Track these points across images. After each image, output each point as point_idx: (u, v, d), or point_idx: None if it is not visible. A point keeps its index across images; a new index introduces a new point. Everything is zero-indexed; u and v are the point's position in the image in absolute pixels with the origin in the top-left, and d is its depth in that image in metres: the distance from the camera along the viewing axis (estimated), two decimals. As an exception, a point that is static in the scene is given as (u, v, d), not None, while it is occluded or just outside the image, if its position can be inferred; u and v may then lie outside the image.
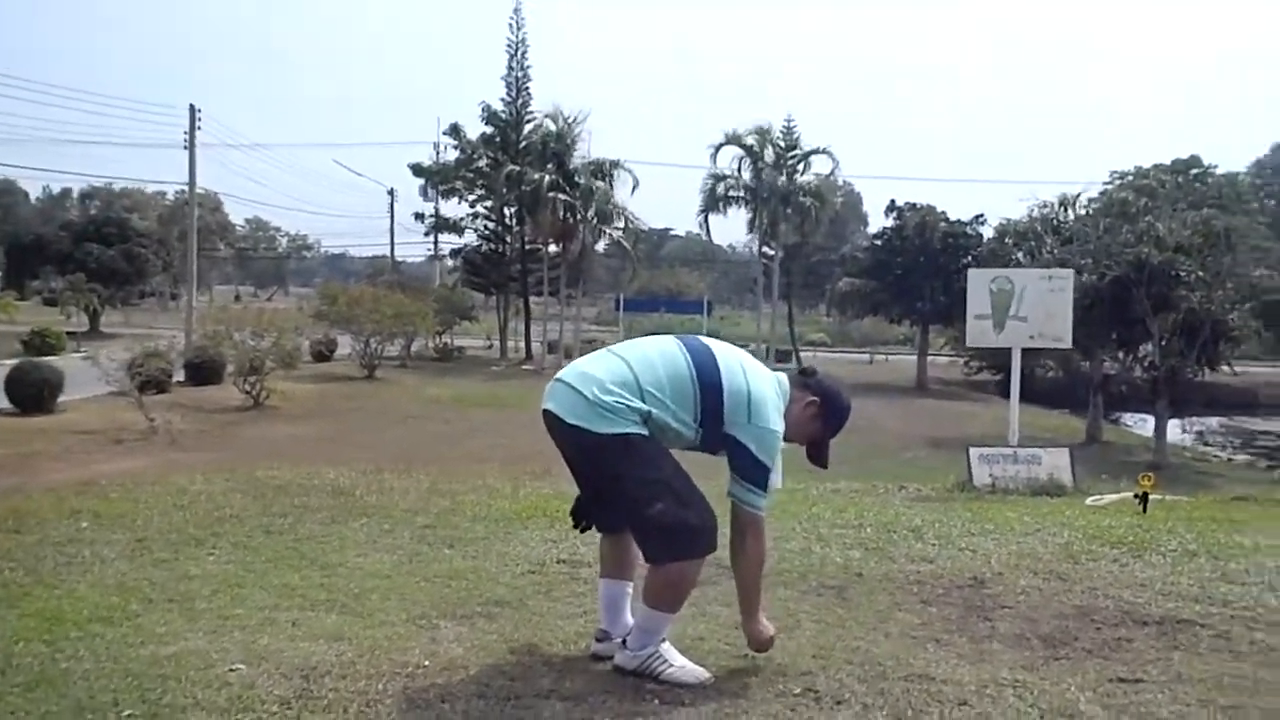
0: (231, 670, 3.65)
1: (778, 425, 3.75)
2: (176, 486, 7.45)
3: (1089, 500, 8.55)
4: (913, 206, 42.80)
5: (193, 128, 40.55)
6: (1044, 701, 3.52)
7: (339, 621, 4.25)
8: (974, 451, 9.97)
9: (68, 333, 37.38)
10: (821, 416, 3.89)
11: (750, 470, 3.73)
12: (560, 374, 3.82)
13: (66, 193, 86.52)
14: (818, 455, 4.02)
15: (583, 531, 4.14)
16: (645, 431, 3.63)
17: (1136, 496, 7.63)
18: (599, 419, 3.60)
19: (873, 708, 3.43)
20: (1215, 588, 5.07)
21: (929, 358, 44.04)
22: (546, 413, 3.73)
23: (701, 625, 4.28)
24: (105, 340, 33.61)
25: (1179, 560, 5.66)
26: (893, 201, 43.76)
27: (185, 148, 40.78)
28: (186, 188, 43.13)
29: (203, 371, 26.84)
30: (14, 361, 24.08)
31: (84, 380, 21.27)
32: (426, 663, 3.77)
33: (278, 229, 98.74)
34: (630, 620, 3.86)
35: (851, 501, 7.46)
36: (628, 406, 3.61)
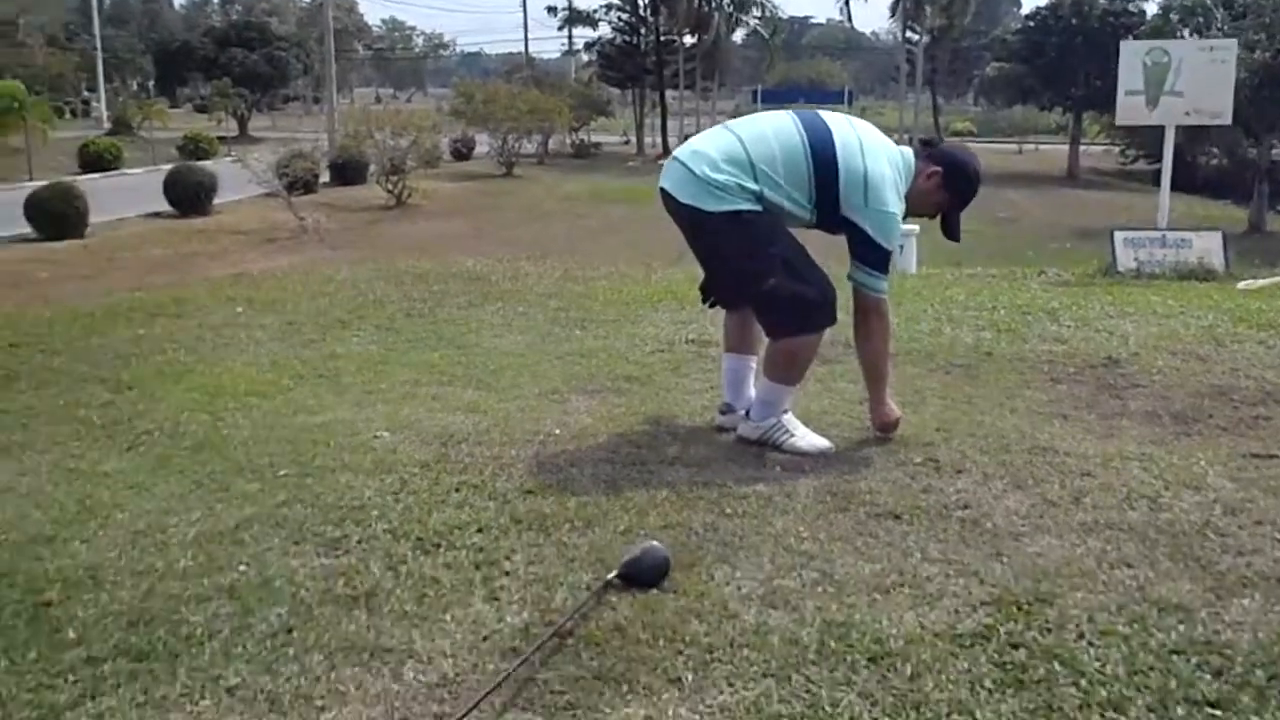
0: (376, 437, 3.88)
1: (895, 207, 3.67)
2: (323, 275, 7.77)
3: (1241, 284, 8.19)
4: (1071, -17, 40.17)
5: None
6: (1170, 474, 3.50)
7: (475, 395, 4.45)
8: (1119, 235, 9.57)
9: (218, 137, 38.43)
10: (946, 186, 3.79)
11: (869, 254, 3.69)
12: (676, 151, 3.80)
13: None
14: (949, 228, 3.94)
15: (710, 307, 4.20)
16: (759, 208, 3.61)
17: (1293, 279, 7.29)
18: (710, 197, 3.58)
19: (993, 477, 3.47)
20: (1367, 366, 4.88)
21: (1082, 147, 42.07)
22: (663, 191, 3.74)
23: (826, 400, 4.35)
24: (253, 144, 34.44)
25: (1331, 341, 5.44)
26: (1049, -22, 41.15)
27: (318, -54, 40.55)
28: (321, -12, 43.00)
29: (347, 172, 27.42)
30: (171, 166, 24.99)
31: (236, 182, 21.98)
32: (557, 431, 3.94)
33: (413, 29, 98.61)
34: (753, 394, 3.94)
35: (986, 285, 7.33)
36: (739, 185, 3.58)
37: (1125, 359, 5.06)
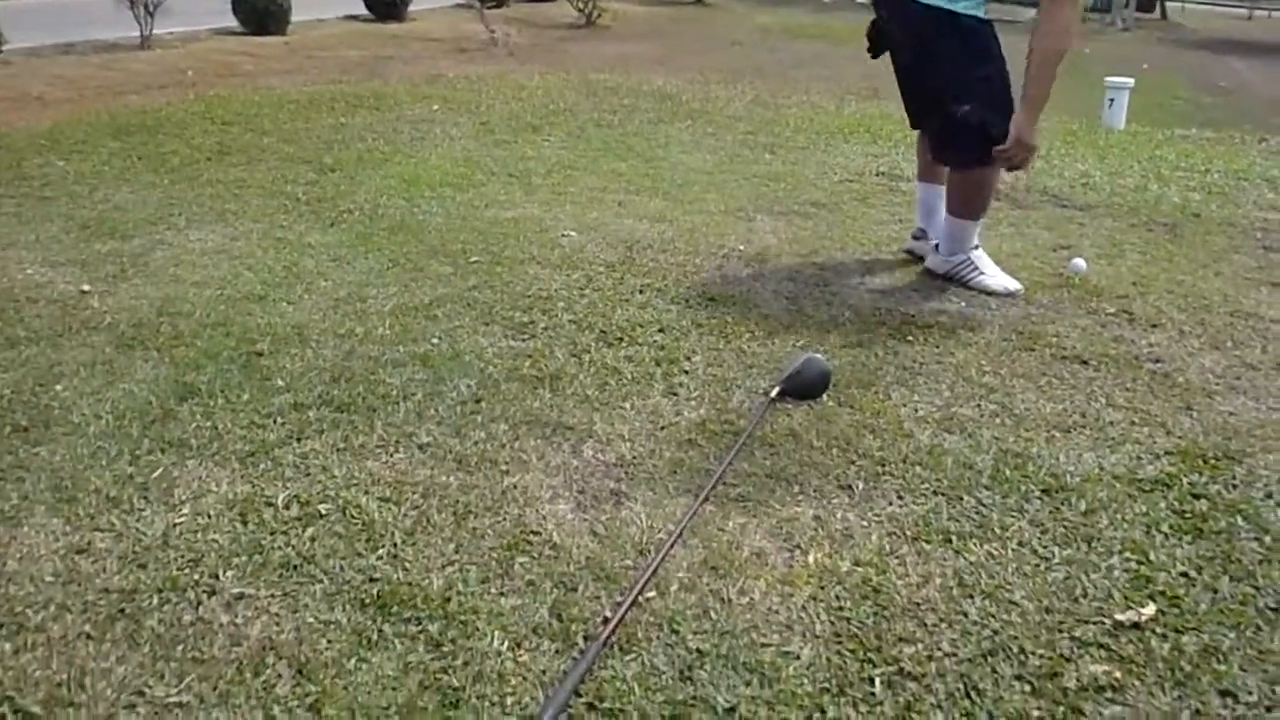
0: (564, 235, 3.96)
1: None
2: (515, 82, 7.84)
3: None
4: None
5: None
6: (1387, 348, 3.30)
7: (661, 205, 4.48)
8: (1358, 107, 8.85)
9: (415, -56, 38.47)
10: None
11: None
12: None
13: None
14: None
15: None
16: (979, 12, 3.39)
17: None
18: None
19: (1189, 334, 3.34)
20: None
21: (1323, 14, 38.58)
22: None
23: (1019, 243, 4.23)
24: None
25: None
26: None
27: None
28: None
29: (539, -13, 27.23)
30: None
31: (429, -10, 22.12)
32: (741, 247, 3.94)
33: None
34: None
35: (1200, 148, 6.88)
36: None
37: (1349, 234, 4.73)
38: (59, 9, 19.42)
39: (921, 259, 3.82)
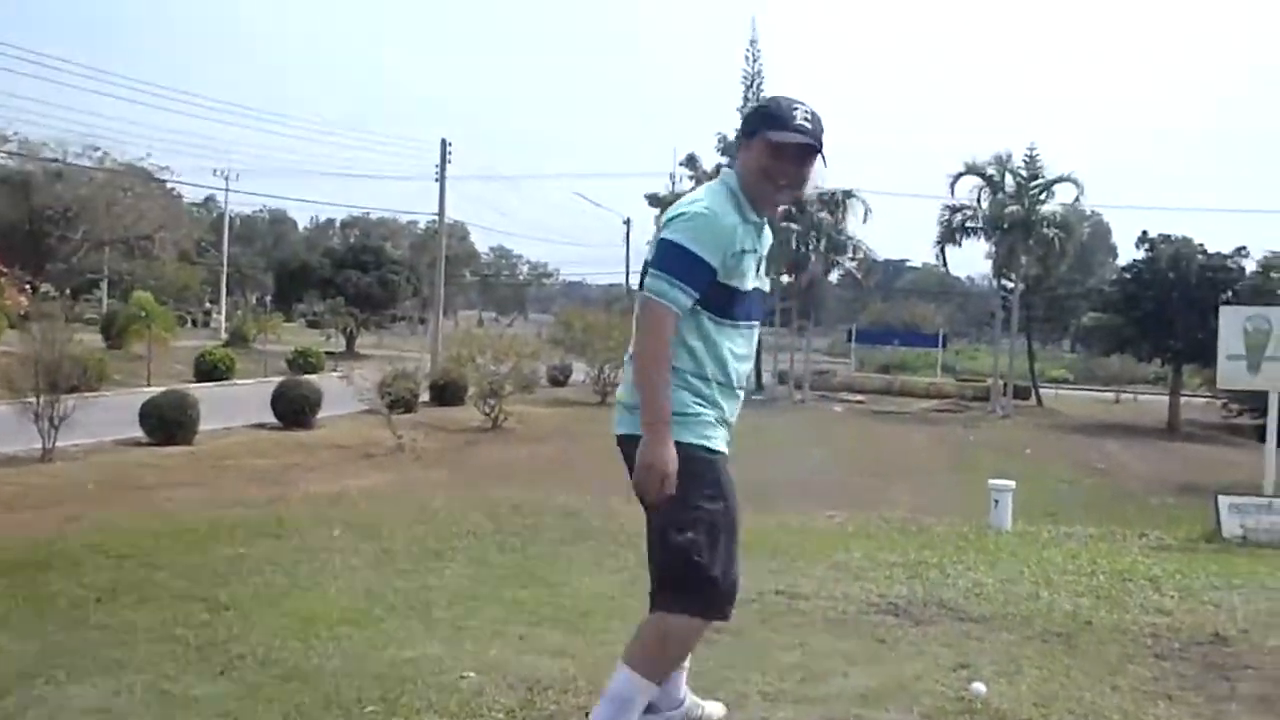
0: (463, 678, 3.89)
1: (702, 208, 3.12)
2: (419, 503, 7.93)
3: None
4: (1166, 238, 40.69)
5: (443, 161, 42.54)
6: (1286, 770, 3.32)
7: (563, 638, 4.45)
8: (1224, 500, 9.37)
9: (327, 353, 40.02)
10: (762, 139, 3.17)
11: (661, 254, 3.09)
12: (619, 396, 3.38)
13: (330, 222, 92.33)
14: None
15: None
16: (711, 444, 3.17)
17: None
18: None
19: (1095, 761, 3.33)
20: None
21: (1183, 398, 41.46)
22: (620, 438, 3.29)
23: (919, 664, 4.25)
24: (360, 360, 35.85)
25: None
26: (1144, 233, 41.78)
27: (436, 180, 42.86)
28: (437, 218, 45.12)
29: (446, 393, 28.25)
30: (279, 379, 26.03)
31: (340, 398, 22.76)
32: (644, 683, 3.88)
33: (519, 257, 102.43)
34: (682, 692, 3.47)
35: (1085, 547, 7.18)
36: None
37: (1234, 637, 4.88)
38: (-37, 424, 19.38)
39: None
